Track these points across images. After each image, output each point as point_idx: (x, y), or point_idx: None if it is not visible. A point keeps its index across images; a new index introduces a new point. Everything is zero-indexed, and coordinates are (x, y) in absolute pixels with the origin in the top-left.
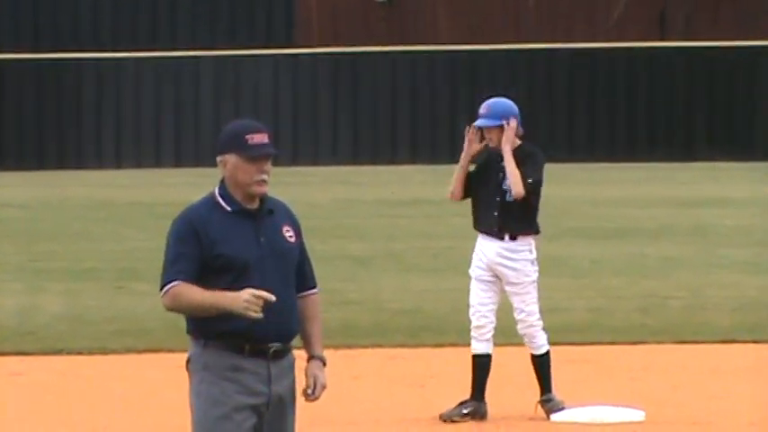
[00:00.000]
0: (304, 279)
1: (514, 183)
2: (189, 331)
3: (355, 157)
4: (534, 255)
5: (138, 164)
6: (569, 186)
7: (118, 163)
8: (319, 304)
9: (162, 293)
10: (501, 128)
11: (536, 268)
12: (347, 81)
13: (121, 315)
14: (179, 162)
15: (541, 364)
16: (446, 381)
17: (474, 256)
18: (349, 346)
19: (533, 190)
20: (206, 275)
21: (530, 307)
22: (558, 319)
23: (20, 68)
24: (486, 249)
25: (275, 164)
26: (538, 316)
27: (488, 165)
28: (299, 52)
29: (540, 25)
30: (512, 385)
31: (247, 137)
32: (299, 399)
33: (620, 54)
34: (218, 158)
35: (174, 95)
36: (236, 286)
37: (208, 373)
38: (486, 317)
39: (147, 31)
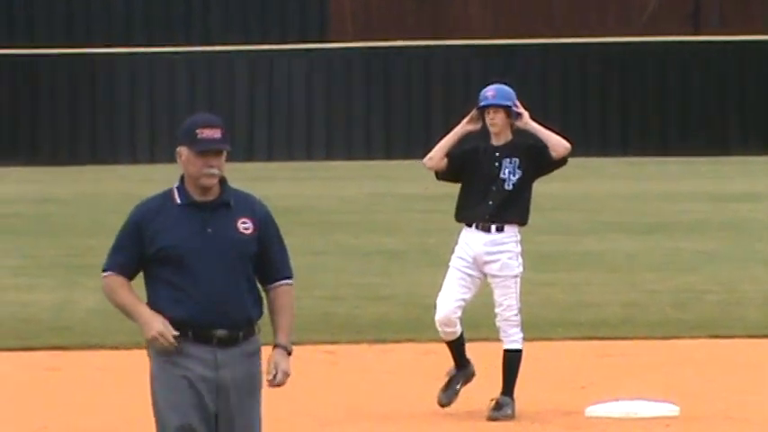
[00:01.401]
0: (273, 270)
1: (556, 140)
2: None
3: (389, 152)
4: (519, 249)
5: (173, 158)
6: (603, 181)
7: (152, 157)
8: (291, 294)
9: (101, 277)
10: (507, 109)
11: (520, 262)
12: (381, 75)
13: None
14: None
15: (509, 360)
16: (479, 375)
17: (457, 248)
18: (383, 341)
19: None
20: (150, 265)
21: (508, 301)
22: (592, 314)
23: (53, 63)
24: (473, 242)
25: (309, 158)
26: (516, 312)
27: (483, 155)
28: (333, 47)
29: (573, 19)
30: (546, 380)
31: (198, 131)
32: (268, 389)
33: (654, 48)
34: (177, 150)
35: (207, 90)
36: (178, 276)
37: (158, 357)
38: (455, 312)
39: (180, 26)
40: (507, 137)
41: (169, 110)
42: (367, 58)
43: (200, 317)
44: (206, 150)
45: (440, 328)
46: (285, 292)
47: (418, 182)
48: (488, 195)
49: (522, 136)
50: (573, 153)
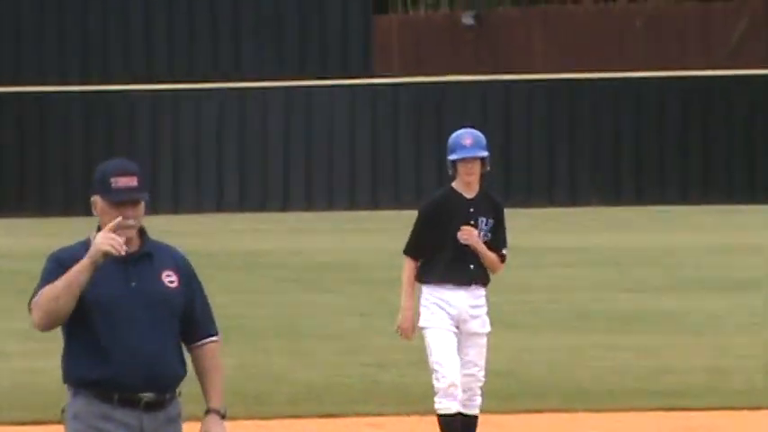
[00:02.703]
0: (198, 327)
1: (495, 268)
2: (63, 380)
3: None
4: None
5: (198, 208)
6: (682, 232)
7: (175, 207)
8: (217, 353)
9: (30, 314)
10: (484, 160)
11: None
12: (431, 114)
13: None
14: (243, 206)
15: (471, 427)
16: None
17: (433, 308)
18: (434, 413)
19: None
20: (70, 320)
21: (482, 362)
22: (672, 382)
23: (65, 101)
24: (455, 299)
25: (352, 208)
26: (484, 372)
27: (455, 211)
28: (378, 82)
29: (649, 50)
30: None
31: (112, 180)
32: None
33: (739, 82)
34: (91, 199)
35: (237, 131)
36: (102, 330)
37: (77, 422)
38: (458, 374)
39: (206, 60)
40: (477, 188)
41: (195, 153)
42: (416, 95)
43: (127, 378)
44: (121, 201)
45: (445, 393)
46: (213, 350)
47: None
48: (469, 259)
49: (489, 188)
50: (649, 201)
